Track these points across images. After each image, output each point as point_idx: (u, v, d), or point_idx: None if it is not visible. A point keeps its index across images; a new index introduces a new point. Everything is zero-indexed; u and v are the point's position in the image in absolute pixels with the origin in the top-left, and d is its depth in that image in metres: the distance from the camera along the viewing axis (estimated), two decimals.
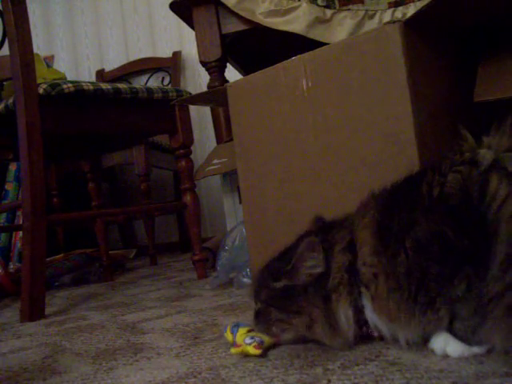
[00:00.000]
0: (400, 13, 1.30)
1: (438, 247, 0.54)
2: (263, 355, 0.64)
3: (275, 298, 0.65)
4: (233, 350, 0.65)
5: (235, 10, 1.43)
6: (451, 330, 0.55)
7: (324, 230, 0.67)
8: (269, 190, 1.00)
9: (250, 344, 0.64)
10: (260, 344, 0.64)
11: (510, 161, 0.53)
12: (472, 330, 0.53)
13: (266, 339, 0.65)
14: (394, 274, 0.56)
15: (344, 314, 0.61)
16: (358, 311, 0.61)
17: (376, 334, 0.63)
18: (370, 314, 0.61)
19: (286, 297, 0.64)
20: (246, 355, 0.64)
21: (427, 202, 0.56)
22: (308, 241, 0.63)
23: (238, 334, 0.67)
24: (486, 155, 0.54)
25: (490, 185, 0.52)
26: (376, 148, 0.82)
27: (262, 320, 0.67)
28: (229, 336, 0.70)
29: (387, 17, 1.30)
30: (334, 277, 0.61)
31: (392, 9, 1.31)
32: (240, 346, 0.65)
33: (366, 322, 0.62)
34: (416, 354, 0.57)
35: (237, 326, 0.70)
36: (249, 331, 0.67)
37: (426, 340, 0.58)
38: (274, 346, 0.67)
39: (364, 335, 0.63)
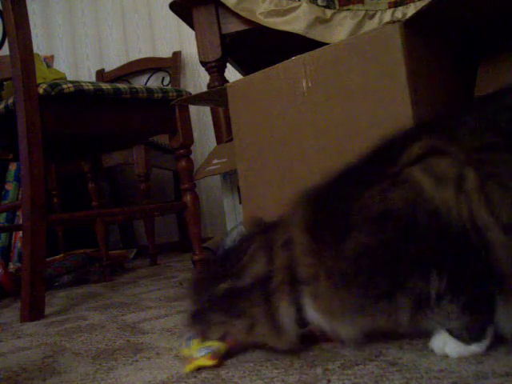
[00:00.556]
0: (400, 13, 1.29)
1: (385, 252, 0.54)
2: (219, 364, 0.61)
3: (217, 301, 0.63)
4: (187, 368, 0.61)
5: (235, 10, 1.43)
6: (449, 330, 0.55)
7: (267, 231, 0.65)
8: (268, 190, 1.00)
9: (202, 356, 0.61)
10: (215, 353, 0.61)
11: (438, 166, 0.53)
12: (467, 328, 0.54)
13: (221, 346, 0.62)
14: (338, 273, 0.56)
15: (286, 313, 0.60)
16: (300, 310, 0.60)
17: (318, 333, 0.62)
18: (311, 312, 0.60)
19: (229, 299, 0.62)
20: (200, 368, 0.61)
21: (371, 213, 0.55)
22: (259, 241, 0.62)
23: (193, 348, 0.63)
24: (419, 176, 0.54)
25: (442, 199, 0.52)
26: None
27: (199, 322, 0.64)
28: (185, 351, 0.65)
29: (387, 17, 1.30)
30: (277, 275, 0.61)
31: (392, 9, 1.30)
32: (193, 360, 0.61)
33: (306, 321, 0.61)
34: (416, 354, 0.57)
35: (190, 338, 0.65)
36: (203, 341, 0.63)
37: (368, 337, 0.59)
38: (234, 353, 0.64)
39: (309, 335, 0.63)
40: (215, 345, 0.62)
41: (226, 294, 0.62)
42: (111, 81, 2.75)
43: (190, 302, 0.67)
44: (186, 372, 0.61)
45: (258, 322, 0.60)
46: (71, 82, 1.25)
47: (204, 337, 0.64)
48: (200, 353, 0.61)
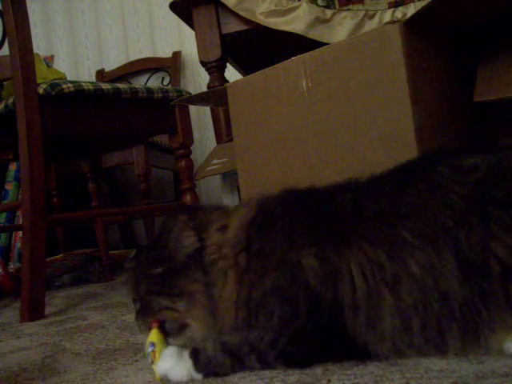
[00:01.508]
0: (400, 13, 1.29)
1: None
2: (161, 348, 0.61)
3: (155, 285, 0.63)
4: (157, 379, 0.60)
5: (235, 10, 1.42)
6: None
7: (192, 211, 0.67)
8: (268, 190, 1.00)
9: (152, 360, 0.60)
10: (154, 348, 0.61)
11: None
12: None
13: (153, 337, 0.61)
14: (249, 277, 0.59)
15: (224, 290, 0.61)
16: None
17: None
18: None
19: (166, 281, 0.62)
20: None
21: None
22: (180, 220, 0.63)
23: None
24: None
25: None
26: (376, 148, 0.82)
27: (144, 315, 0.64)
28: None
29: (387, 17, 1.30)
30: (211, 252, 0.62)
31: (392, 9, 1.30)
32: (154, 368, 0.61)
33: None
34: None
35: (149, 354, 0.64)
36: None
37: None
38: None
39: None
40: (150, 340, 0.62)
41: (163, 276, 0.63)
42: (111, 81, 2.75)
43: (131, 296, 0.67)
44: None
45: (197, 297, 0.61)
46: (71, 82, 1.25)
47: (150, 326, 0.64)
48: (149, 359, 0.62)
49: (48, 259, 1.70)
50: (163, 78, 2.80)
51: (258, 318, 0.57)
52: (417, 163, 0.62)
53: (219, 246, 0.62)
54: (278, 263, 0.58)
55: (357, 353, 0.55)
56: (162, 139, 2.37)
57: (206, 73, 1.56)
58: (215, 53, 1.50)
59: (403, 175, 0.60)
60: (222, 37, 1.50)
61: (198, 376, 0.58)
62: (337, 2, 1.34)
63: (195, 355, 0.58)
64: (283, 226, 0.60)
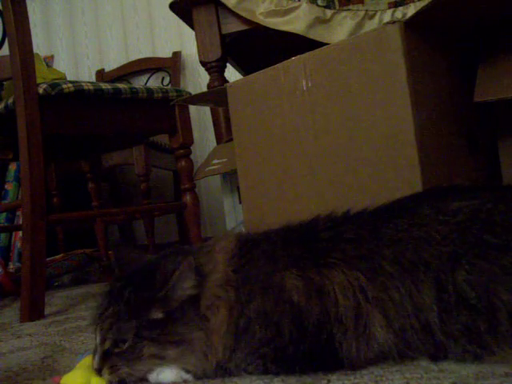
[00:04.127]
0: (400, 13, 1.29)
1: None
2: None
3: (151, 330, 0.56)
4: None
5: (235, 10, 1.42)
6: None
7: (190, 252, 0.62)
8: (268, 190, 1.00)
9: None
10: None
11: None
12: None
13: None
14: (236, 318, 0.57)
15: (216, 323, 0.58)
16: None
17: None
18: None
19: (164, 327, 0.57)
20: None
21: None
22: (187, 261, 0.58)
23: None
24: None
25: None
26: (376, 148, 0.82)
27: (128, 358, 0.57)
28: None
29: (387, 17, 1.30)
30: (209, 296, 0.59)
31: (392, 9, 1.30)
32: None
33: None
34: None
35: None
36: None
37: None
38: None
39: None
40: None
41: (161, 321, 0.57)
42: (111, 81, 2.75)
43: (105, 334, 0.59)
44: None
45: (195, 346, 0.57)
46: (71, 82, 1.25)
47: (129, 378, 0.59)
48: None
49: (48, 259, 1.70)
50: (163, 78, 2.80)
51: (241, 344, 0.56)
52: (400, 203, 0.63)
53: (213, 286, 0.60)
54: (263, 288, 0.57)
55: (343, 365, 0.55)
56: (162, 139, 2.37)
57: (206, 73, 1.56)
58: (215, 53, 1.50)
59: (385, 212, 0.61)
60: (222, 37, 1.50)
61: (187, 376, 0.57)
62: (337, 2, 1.34)
63: None
64: (264, 252, 0.60)
